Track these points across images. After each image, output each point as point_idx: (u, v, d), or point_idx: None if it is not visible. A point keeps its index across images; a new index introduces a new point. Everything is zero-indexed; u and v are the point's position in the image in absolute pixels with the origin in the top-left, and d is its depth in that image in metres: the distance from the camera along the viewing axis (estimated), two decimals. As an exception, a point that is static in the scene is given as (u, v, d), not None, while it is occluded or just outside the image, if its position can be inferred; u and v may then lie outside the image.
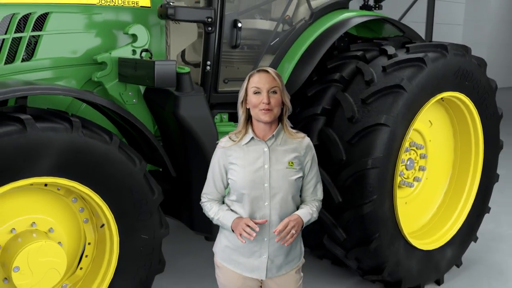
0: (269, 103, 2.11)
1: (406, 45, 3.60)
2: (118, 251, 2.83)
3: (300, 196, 2.31)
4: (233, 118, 3.66)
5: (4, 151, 2.34)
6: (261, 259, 2.22)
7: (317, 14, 3.93)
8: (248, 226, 2.05)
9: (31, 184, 2.51)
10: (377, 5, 4.30)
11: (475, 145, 4.05)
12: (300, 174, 2.23)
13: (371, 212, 3.24)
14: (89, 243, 2.92)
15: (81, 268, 2.91)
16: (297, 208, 2.25)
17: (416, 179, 3.95)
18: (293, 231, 2.07)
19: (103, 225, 2.84)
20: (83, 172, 2.61)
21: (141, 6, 3.43)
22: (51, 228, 2.72)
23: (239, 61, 3.88)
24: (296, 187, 2.23)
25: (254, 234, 2.05)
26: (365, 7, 4.34)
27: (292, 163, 2.19)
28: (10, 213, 2.59)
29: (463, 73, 3.66)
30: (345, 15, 3.99)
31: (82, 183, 2.62)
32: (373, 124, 3.21)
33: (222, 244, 2.27)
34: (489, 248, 4.68)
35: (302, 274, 2.39)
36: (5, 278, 2.60)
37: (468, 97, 3.79)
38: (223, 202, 2.30)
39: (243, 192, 2.16)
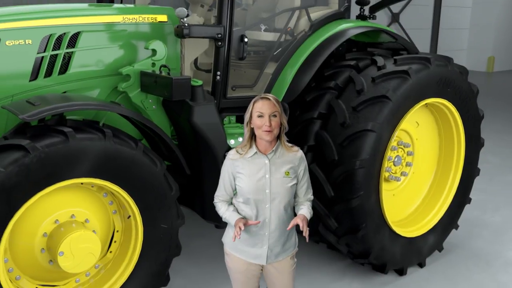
0: (270, 126, 2.59)
1: (395, 57, 4.02)
2: (142, 238, 3.35)
3: (295, 196, 2.81)
4: (240, 120, 4.14)
5: (51, 159, 2.84)
6: (262, 249, 2.73)
7: (316, 26, 4.36)
8: (240, 228, 2.57)
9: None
10: (371, 16, 4.70)
11: (457, 144, 4.51)
12: (295, 182, 2.72)
13: (359, 206, 3.74)
14: (117, 231, 3.45)
15: (110, 252, 3.45)
16: (291, 209, 2.74)
17: (403, 173, 4.42)
18: (305, 231, 2.61)
19: (129, 216, 3.36)
20: (114, 173, 3.11)
21: (159, 21, 3.90)
22: (87, 218, 3.25)
23: (247, 67, 4.34)
24: (291, 192, 2.72)
25: (239, 236, 2.58)
26: (361, 16, 4.74)
27: (288, 172, 2.69)
28: (54, 207, 3.12)
29: (445, 81, 4.10)
30: (343, 26, 4.41)
31: (112, 182, 3.13)
32: (361, 130, 3.67)
33: (230, 236, 2.79)
34: (471, 234, 5.17)
35: (295, 259, 2.90)
36: (50, 260, 3.14)
37: (450, 102, 4.23)
38: (231, 202, 2.81)
39: (248, 196, 2.66)
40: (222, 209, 2.75)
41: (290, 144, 2.77)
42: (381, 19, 17.56)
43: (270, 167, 2.66)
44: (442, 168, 4.63)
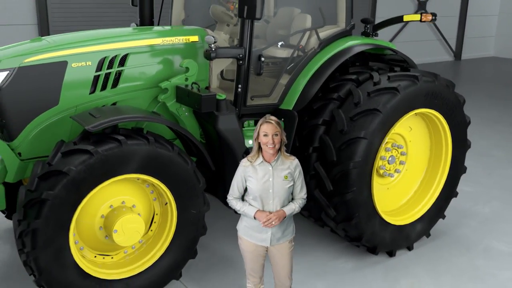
0: (273, 143, 3.40)
1: (389, 74, 4.73)
2: (176, 220, 4.24)
3: (292, 193, 3.61)
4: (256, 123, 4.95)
5: (109, 160, 3.73)
6: (267, 234, 3.56)
7: (324, 43, 5.09)
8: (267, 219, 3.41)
9: (122, 178, 3.92)
10: (374, 33, 5.39)
11: (445, 146, 5.22)
12: (291, 184, 3.53)
13: (352, 199, 4.54)
14: (157, 214, 4.36)
15: (151, 230, 4.37)
16: (289, 203, 3.56)
17: (397, 171, 5.17)
18: (273, 222, 3.41)
19: (166, 203, 4.25)
20: (155, 170, 3.98)
21: (191, 41, 4.72)
22: (134, 204, 4.16)
23: (264, 78, 5.13)
24: (289, 191, 3.53)
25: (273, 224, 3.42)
26: (365, 33, 5.44)
27: (286, 176, 3.49)
28: (109, 196, 4.03)
29: (432, 94, 4.80)
30: (349, 43, 5.12)
31: (154, 177, 4.01)
32: (356, 137, 4.44)
33: (242, 225, 3.62)
34: (459, 223, 5.90)
35: (293, 243, 3.72)
36: (106, 236, 4.07)
37: (438, 111, 4.94)
38: (243, 199, 3.64)
39: (256, 194, 3.49)
40: (239, 205, 3.59)
41: (288, 154, 3.57)
42: (408, 6, 17.87)
43: (273, 173, 3.47)
44: (432, 166, 5.35)
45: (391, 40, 17.62)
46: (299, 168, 3.59)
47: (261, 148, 3.49)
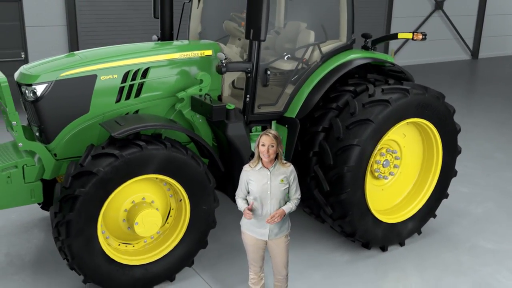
0: (268, 152, 3.95)
1: (383, 87, 5.22)
2: (189, 215, 4.84)
3: (288, 194, 4.16)
4: (264, 129, 5.51)
5: (131, 162, 4.32)
6: (266, 229, 4.12)
7: (326, 56, 5.61)
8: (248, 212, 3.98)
9: (143, 178, 4.54)
10: (373, 47, 5.88)
11: (436, 152, 5.70)
12: (287, 186, 4.08)
13: (346, 199, 5.07)
14: (172, 209, 4.97)
15: (168, 223, 4.98)
16: (285, 203, 4.11)
17: (391, 173, 5.68)
18: (275, 219, 3.96)
19: (181, 199, 4.85)
20: (171, 171, 4.58)
21: (206, 55, 5.30)
22: (153, 200, 4.78)
23: (273, 85, 5.67)
24: (284, 193, 4.08)
25: (246, 215, 4.00)
26: (365, 47, 5.93)
27: (282, 180, 4.04)
28: (131, 192, 4.65)
29: (423, 105, 5.28)
30: (350, 56, 5.62)
31: (170, 177, 4.61)
32: (350, 144, 4.96)
33: (245, 221, 4.19)
34: (451, 222, 6.37)
35: (289, 237, 4.27)
36: (129, 227, 4.70)
37: (428, 121, 5.41)
38: (246, 199, 4.20)
39: (256, 195, 4.04)
40: (240, 204, 4.16)
41: (284, 161, 4.12)
42: (425, 7, 18.10)
43: (270, 177, 4.03)
44: (424, 170, 5.84)
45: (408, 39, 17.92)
46: (294, 173, 4.14)
47: (260, 156, 4.04)
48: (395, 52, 17.72)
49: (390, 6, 17.02)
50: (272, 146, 3.96)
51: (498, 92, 14.31)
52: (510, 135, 10.22)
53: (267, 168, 4.06)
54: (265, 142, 3.96)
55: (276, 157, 4.06)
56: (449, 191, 5.96)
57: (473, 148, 9.26)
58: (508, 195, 7.22)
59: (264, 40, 4.74)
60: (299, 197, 4.20)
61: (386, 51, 17.33)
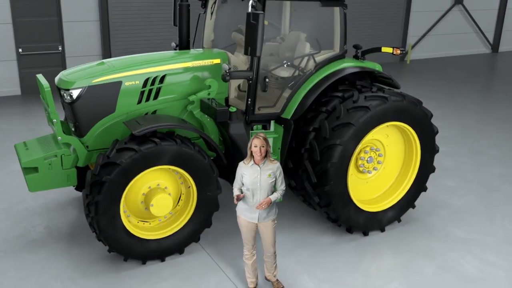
0: (260, 152, 4.83)
1: (365, 95, 6.01)
2: (196, 199, 5.79)
3: (275, 186, 5.05)
4: (264, 127, 6.40)
5: (148, 155, 5.28)
6: (256, 214, 5.01)
7: (320, 65, 6.43)
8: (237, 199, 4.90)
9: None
10: (363, 57, 6.66)
11: (415, 151, 6.48)
12: (273, 180, 4.96)
13: (330, 190, 5.93)
14: (182, 194, 5.94)
15: (178, 205, 5.96)
16: (272, 193, 5.01)
17: (375, 168, 6.50)
18: (263, 206, 4.85)
19: (189, 186, 5.82)
20: (182, 163, 5.52)
21: (214, 63, 6.20)
22: (166, 186, 5.75)
23: (274, 88, 6.53)
24: (272, 185, 4.96)
25: (235, 202, 4.90)
26: (356, 57, 6.71)
27: (270, 175, 4.92)
28: (148, 180, 5.63)
29: (401, 110, 6.06)
30: (342, 65, 6.41)
31: (181, 168, 5.56)
32: (333, 144, 5.81)
33: (239, 207, 5.10)
34: (431, 212, 7.16)
35: (276, 221, 5.16)
36: (146, 208, 5.70)
37: (407, 124, 6.19)
38: (241, 189, 5.11)
39: (249, 187, 4.93)
40: (234, 191, 5.08)
41: (272, 159, 5.00)
42: (444, 1, 18.43)
43: (260, 172, 4.93)
44: (405, 166, 6.63)
45: (426, 33, 18.35)
46: (280, 169, 5.03)
47: (253, 155, 4.95)
48: (413, 46, 18.19)
49: (408, 0, 17.46)
50: (263, 146, 4.85)
51: (510, 87, 14.71)
52: (509, 132, 10.79)
53: (258, 165, 4.96)
54: (257, 144, 4.85)
55: (266, 156, 4.95)
56: (436, 184, 6.73)
57: (469, 144, 9.92)
58: (491, 190, 7.93)
59: (259, 56, 5.59)
60: (284, 188, 5.09)
61: (404, 45, 17.84)
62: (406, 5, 17.51)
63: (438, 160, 9.03)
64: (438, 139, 10.20)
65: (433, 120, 11.38)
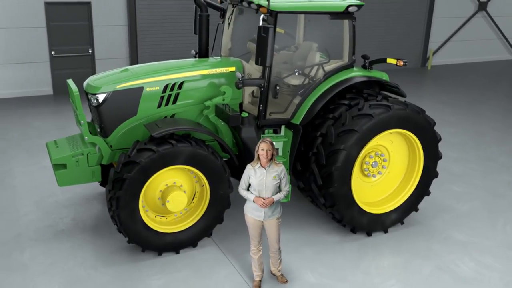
0: (267, 156, 5.27)
1: (370, 103, 6.38)
2: (209, 197, 6.27)
3: (279, 187, 5.48)
4: (275, 132, 6.83)
5: (165, 155, 5.78)
6: (262, 212, 5.45)
7: (329, 74, 6.82)
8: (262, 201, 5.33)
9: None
10: (370, 67, 7.01)
11: (418, 157, 6.81)
12: (278, 181, 5.38)
13: (334, 192, 6.32)
14: (197, 192, 6.42)
15: (193, 202, 6.44)
16: (276, 193, 5.43)
17: (379, 173, 6.86)
18: (266, 204, 5.27)
19: (203, 185, 6.29)
20: (196, 163, 6.00)
21: (230, 71, 6.67)
22: (181, 184, 6.24)
23: (285, 95, 6.96)
24: (277, 186, 5.38)
25: (266, 206, 5.30)
26: (363, 66, 7.07)
27: (275, 177, 5.35)
28: (165, 178, 6.13)
29: (404, 118, 6.41)
30: (349, 75, 6.79)
31: (195, 168, 6.03)
32: (338, 149, 6.20)
33: (247, 206, 5.54)
34: (435, 216, 7.46)
35: (280, 220, 5.58)
36: (163, 204, 6.20)
37: (409, 131, 6.54)
38: (248, 189, 5.55)
39: (256, 188, 5.36)
40: (244, 193, 5.48)
41: (277, 162, 5.43)
42: (468, 7, 18.50)
43: (266, 174, 5.36)
44: (409, 171, 6.97)
45: (449, 38, 18.45)
46: (284, 171, 5.45)
47: (260, 158, 5.39)
48: (434, 52, 18.32)
49: (431, 6, 17.60)
50: (269, 150, 5.29)
51: (529, 96, 14.77)
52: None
53: (264, 167, 5.40)
54: (264, 147, 5.29)
55: (271, 159, 5.38)
56: (442, 189, 7.02)
57: (481, 151, 10.13)
58: (496, 196, 8.17)
59: (269, 66, 6.02)
60: (288, 189, 5.52)
61: (425, 50, 17.99)
62: (428, 11, 17.67)
63: (446, 166, 9.30)
64: (450, 145, 10.44)
65: (446, 127, 11.60)
